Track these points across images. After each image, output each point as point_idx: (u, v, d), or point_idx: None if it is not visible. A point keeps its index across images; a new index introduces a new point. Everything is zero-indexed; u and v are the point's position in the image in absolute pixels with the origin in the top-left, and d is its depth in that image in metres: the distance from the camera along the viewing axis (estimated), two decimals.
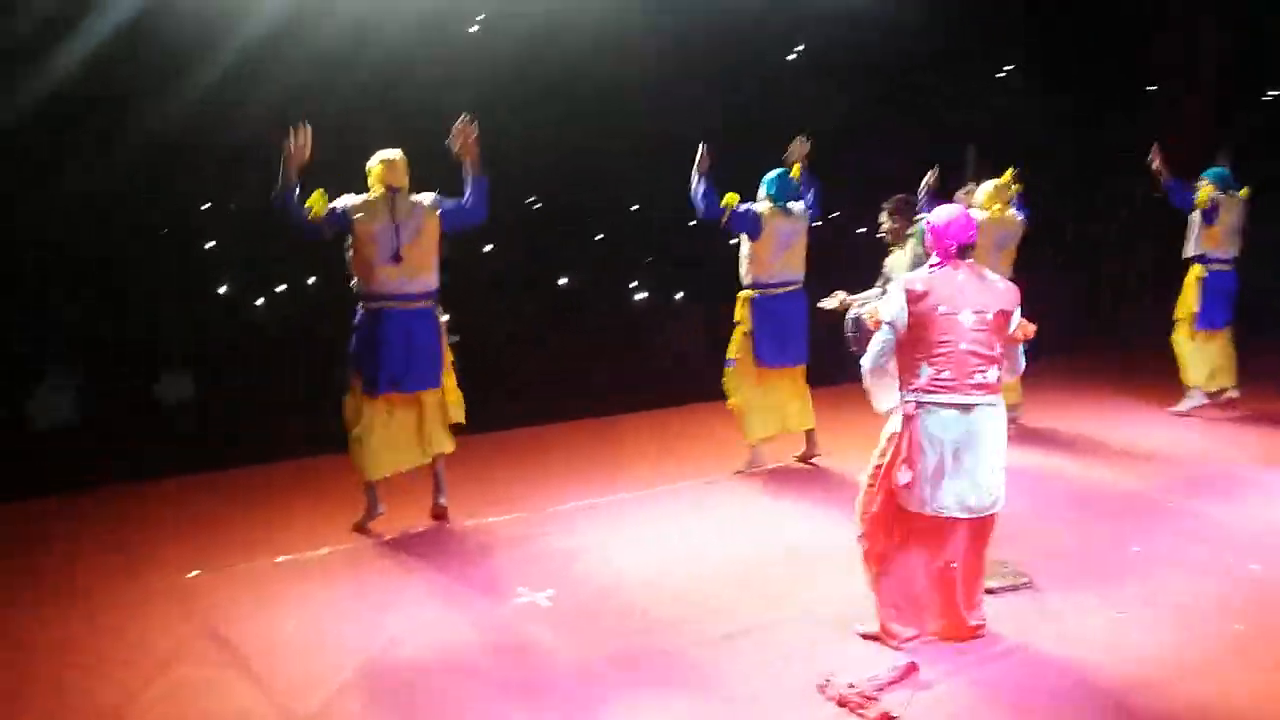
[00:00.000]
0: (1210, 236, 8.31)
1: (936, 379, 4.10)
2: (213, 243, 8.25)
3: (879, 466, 4.25)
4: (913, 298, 4.10)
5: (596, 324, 9.29)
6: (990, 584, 4.80)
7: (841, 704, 3.81)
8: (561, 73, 7.80)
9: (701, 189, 6.49)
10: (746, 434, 6.86)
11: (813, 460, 7.07)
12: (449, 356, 5.90)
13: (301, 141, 5.31)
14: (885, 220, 6.74)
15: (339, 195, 5.57)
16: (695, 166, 6.48)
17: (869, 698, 3.82)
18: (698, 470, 6.95)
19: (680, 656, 4.24)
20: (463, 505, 6.05)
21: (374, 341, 5.62)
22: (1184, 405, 8.59)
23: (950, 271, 4.15)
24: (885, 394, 4.31)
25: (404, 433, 5.81)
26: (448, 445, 5.90)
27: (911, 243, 6.44)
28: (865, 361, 4.31)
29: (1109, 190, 11.78)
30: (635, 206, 9.53)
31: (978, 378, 4.11)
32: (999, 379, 4.20)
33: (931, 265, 4.21)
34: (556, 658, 4.27)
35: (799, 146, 6.78)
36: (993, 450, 4.16)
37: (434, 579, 5.15)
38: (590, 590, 4.96)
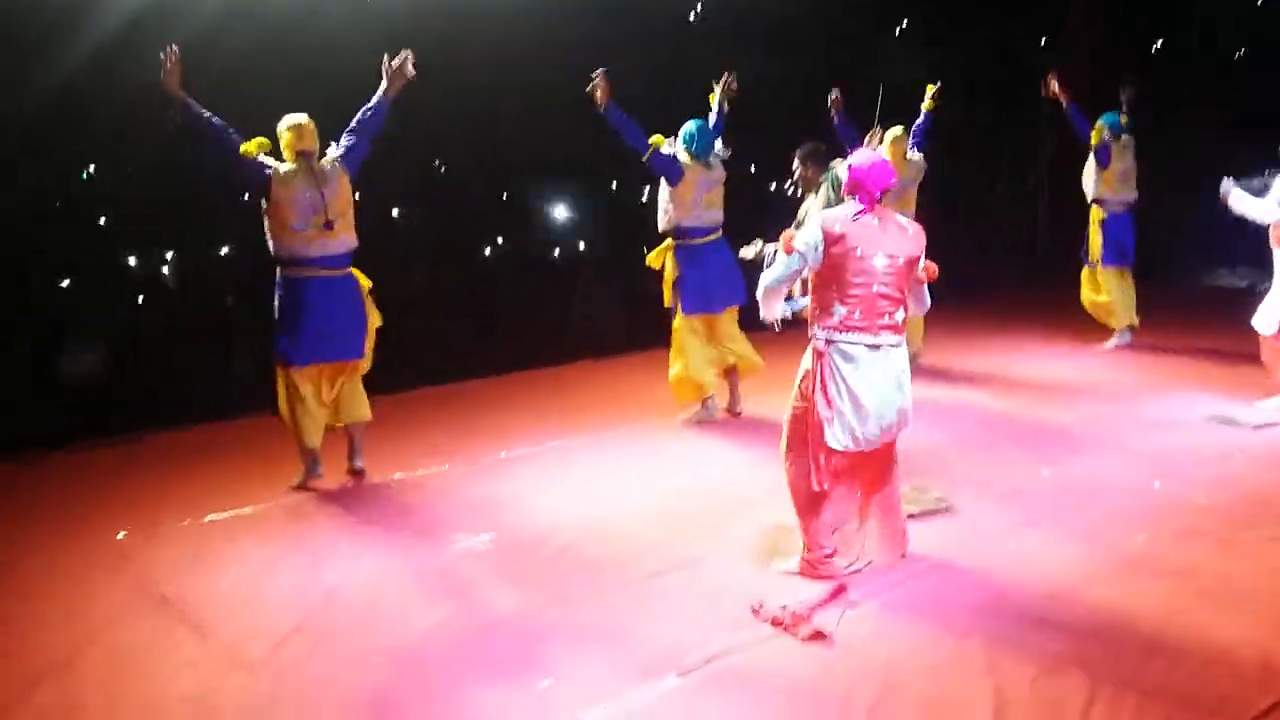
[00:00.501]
0: (1105, 180, 8.68)
1: (848, 319, 4.22)
2: (109, 212, 8.06)
3: (796, 405, 4.38)
4: (830, 239, 4.19)
5: (525, 279, 9.32)
6: (912, 509, 5.02)
7: (775, 624, 3.97)
8: (470, 32, 7.74)
9: (620, 118, 6.53)
10: (683, 390, 6.89)
11: (738, 412, 7.17)
12: (375, 321, 5.89)
13: (170, 65, 5.21)
14: (797, 167, 6.88)
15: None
16: (598, 99, 6.48)
17: (801, 617, 3.99)
18: (625, 418, 7.08)
19: (618, 592, 4.36)
20: (393, 460, 6.10)
21: (295, 311, 5.60)
22: (1112, 342, 8.99)
23: (868, 217, 4.26)
24: (773, 308, 4.51)
25: (330, 403, 5.82)
26: (366, 413, 5.91)
27: (824, 189, 6.58)
28: (765, 279, 4.42)
29: (1014, 138, 12.10)
30: (560, 163, 9.52)
31: (886, 318, 4.26)
32: (904, 320, 4.36)
33: (857, 213, 4.24)
34: (499, 597, 4.36)
35: (726, 82, 6.86)
36: (900, 384, 4.33)
37: (370, 531, 5.20)
38: (527, 533, 5.06)
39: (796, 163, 6.90)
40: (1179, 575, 4.31)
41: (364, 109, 5.70)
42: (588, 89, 6.44)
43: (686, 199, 6.73)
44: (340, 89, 5.92)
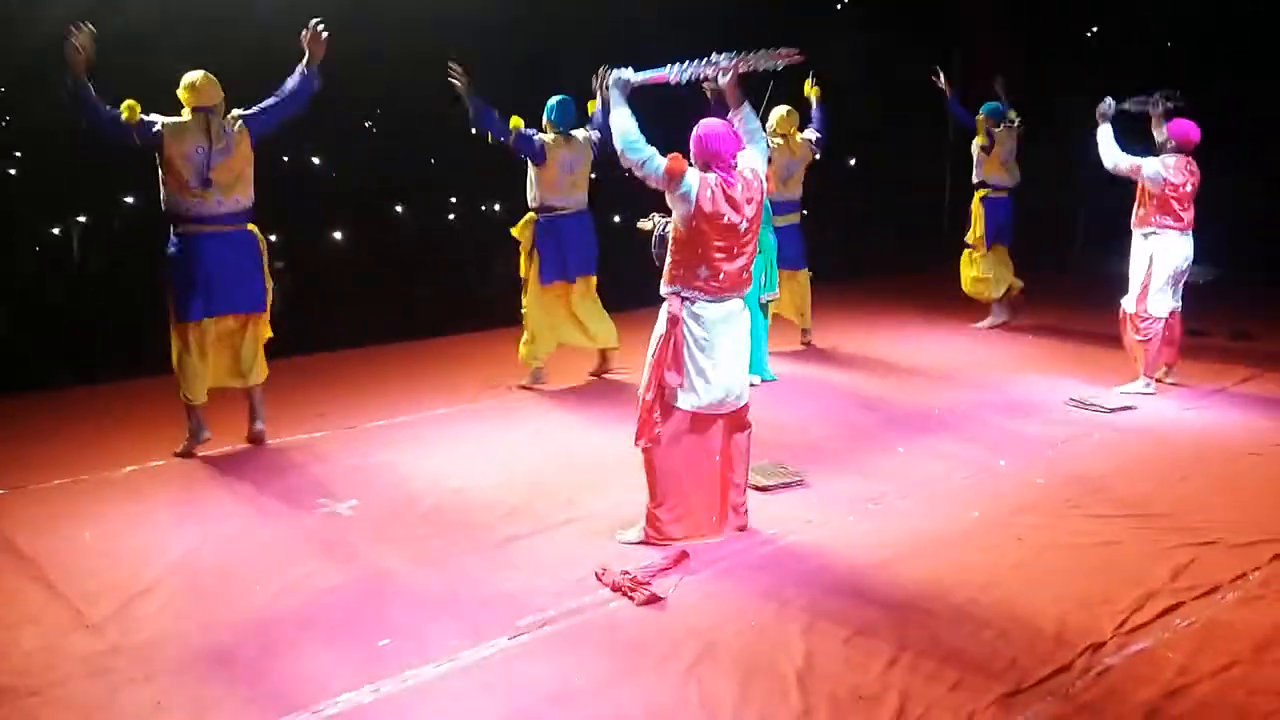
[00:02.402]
0: (989, 165, 9.02)
1: (713, 280, 4.36)
2: (11, 166, 7.97)
3: (652, 368, 4.50)
4: (703, 199, 4.25)
5: (411, 247, 9.38)
6: (767, 482, 5.25)
7: (615, 589, 4.15)
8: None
9: (481, 109, 6.63)
10: (527, 358, 7.15)
11: (605, 375, 7.43)
12: (270, 281, 5.93)
13: (83, 42, 5.22)
14: None
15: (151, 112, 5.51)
16: (459, 89, 6.58)
17: (641, 582, 4.17)
18: (502, 390, 7.22)
19: (471, 557, 4.51)
20: (272, 425, 6.15)
21: (188, 265, 5.61)
22: (987, 322, 9.39)
23: (732, 184, 4.32)
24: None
25: (223, 357, 5.86)
26: (262, 374, 5.97)
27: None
28: (629, 150, 4.36)
29: (911, 123, 12.34)
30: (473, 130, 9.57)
31: (744, 275, 4.45)
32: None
33: (727, 183, 4.30)
34: (353, 561, 4.48)
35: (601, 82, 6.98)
36: (744, 348, 4.54)
37: (236, 493, 5.28)
38: (391, 500, 5.18)
39: None
40: (1001, 549, 4.57)
41: (288, 80, 5.74)
42: (449, 77, 6.53)
43: (551, 178, 6.92)
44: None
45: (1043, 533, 4.74)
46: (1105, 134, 7.14)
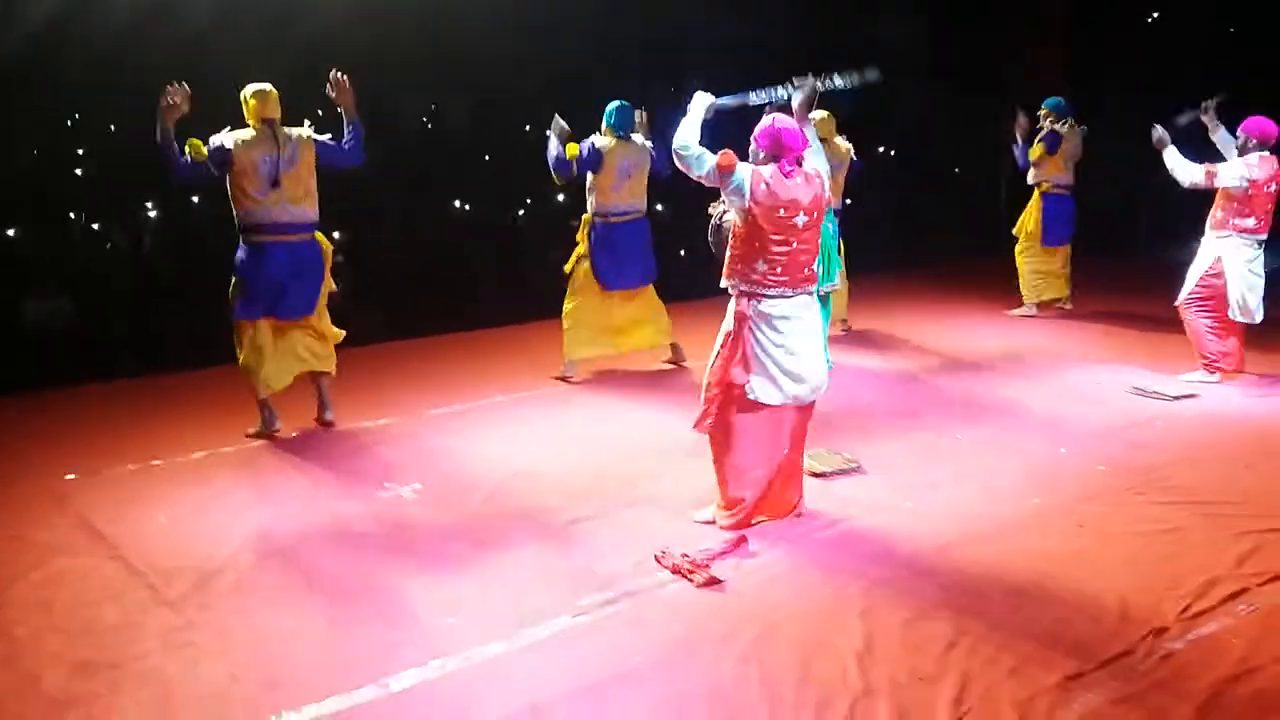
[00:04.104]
0: (1052, 164, 8.95)
1: (771, 274, 4.39)
2: (86, 164, 8.20)
3: (719, 364, 4.55)
4: (757, 192, 4.29)
5: (469, 240, 9.50)
6: (825, 469, 5.26)
7: (675, 571, 4.20)
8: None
9: (555, 154, 6.85)
10: (566, 349, 7.19)
11: (680, 364, 7.49)
12: (329, 286, 6.07)
13: (177, 100, 5.44)
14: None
15: (209, 136, 5.66)
16: (552, 133, 6.84)
17: (700, 565, 4.22)
18: (555, 378, 7.29)
19: (534, 539, 4.58)
20: (343, 412, 6.29)
21: (254, 272, 5.76)
22: (1018, 311, 9.42)
23: (793, 178, 4.35)
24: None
25: (290, 352, 6.00)
26: (329, 364, 6.10)
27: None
28: (683, 148, 4.43)
29: (961, 114, 12.24)
30: (528, 128, 9.67)
31: (806, 271, 4.47)
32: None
33: (785, 171, 4.35)
34: (418, 542, 4.58)
35: (641, 118, 7.11)
36: (817, 342, 4.55)
37: (305, 478, 5.40)
38: (455, 483, 5.28)
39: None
40: (1062, 534, 4.56)
41: (356, 136, 5.95)
42: (553, 123, 6.80)
43: (608, 184, 6.97)
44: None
45: (1104, 519, 4.71)
46: (1171, 156, 6.98)
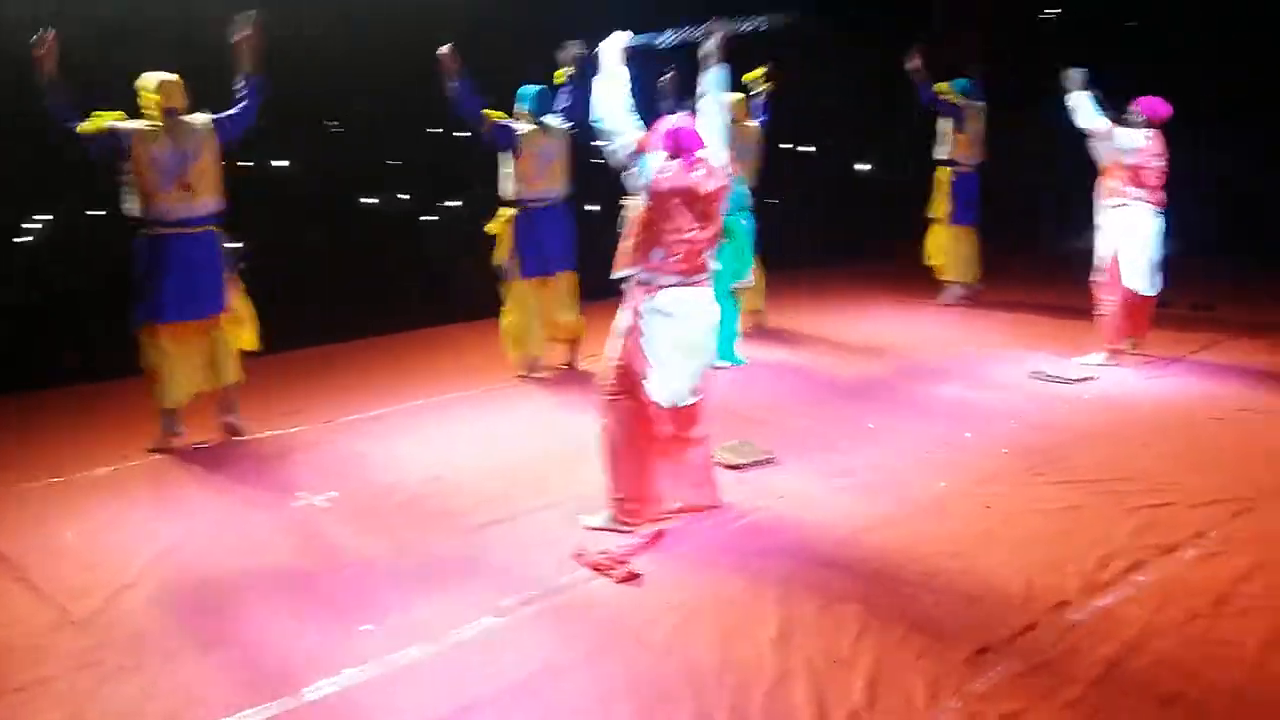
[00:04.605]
0: (959, 143, 9.16)
1: (668, 263, 4.40)
2: None
3: (616, 358, 4.54)
4: (659, 177, 4.34)
5: (380, 243, 9.37)
6: (738, 460, 5.34)
7: (594, 568, 4.23)
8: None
9: (464, 95, 6.68)
10: (509, 348, 7.14)
11: (573, 365, 7.45)
12: (236, 281, 5.97)
13: (44, 49, 5.26)
14: None
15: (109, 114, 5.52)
16: (445, 73, 6.64)
17: (619, 560, 4.26)
18: (480, 380, 7.25)
19: (450, 542, 4.57)
20: (252, 421, 6.18)
21: (157, 269, 5.64)
22: (945, 297, 9.58)
23: (694, 170, 4.41)
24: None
25: (196, 359, 5.88)
26: (236, 374, 5.99)
27: None
28: (604, 118, 4.45)
29: (872, 105, 12.46)
30: (433, 129, 9.58)
31: (702, 260, 4.49)
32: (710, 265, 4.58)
33: (686, 166, 4.38)
34: (333, 551, 4.53)
35: (571, 51, 6.95)
36: (711, 337, 4.61)
37: (214, 489, 5.31)
38: (370, 491, 5.23)
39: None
40: (968, 516, 4.70)
41: (240, 90, 5.77)
42: (440, 62, 6.56)
43: (529, 171, 6.88)
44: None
45: (1008, 500, 4.87)
46: (1079, 97, 7.21)
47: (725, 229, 6.68)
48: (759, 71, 8.00)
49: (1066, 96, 7.26)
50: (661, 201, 4.37)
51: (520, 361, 7.21)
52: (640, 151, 4.37)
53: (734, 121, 7.58)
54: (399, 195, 9.72)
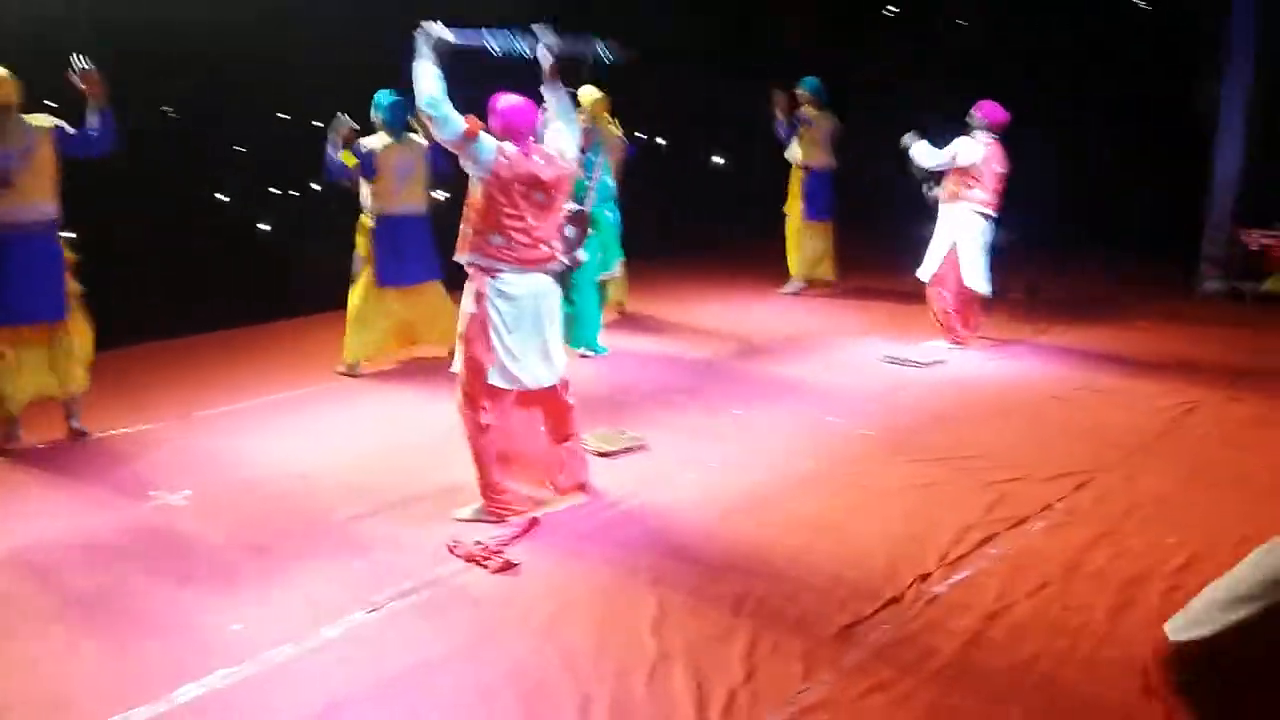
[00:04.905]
0: (807, 147, 9.36)
1: (507, 250, 4.39)
2: None
3: (464, 348, 4.50)
4: (497, 164, 4.30)
5: (231, 234, 9.05)
6: (609, 448, 5.37)
7: (469, 559, 4.20)
8: None
9: (334, 163, 6.64)
10: (346, 351, 6.96)
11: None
12: (75, 289, 5.67)
13: None
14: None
15: None
16: (334, 131, 6.59)
17: (494, 551, 4.23)
18: (333, 374, 7.03)
19: (318, 539, 4.45)
20: (100, 418, 5.89)
21: None
22: (788, 289, 9.83)
23: (531, 158, 4.40)
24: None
25: (37, 364, 5.58)
26: (82, 382, 5.71)
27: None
28: (432, 107, 4.31)
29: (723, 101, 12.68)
30: (281, 114, 9.27)
31: (543, 249, 4.49)
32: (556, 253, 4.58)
33: (524, 153, 4.37)
34: (192, 550, 4.36)
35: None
36: (555, 325, 4.62)
37: (61, 490, 5.05)
38: (229, 488, 5.05)
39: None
40: (834, 495, 4.85)
41: (91, 123, 5.47)
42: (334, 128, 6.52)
43: (387, 189, 6.70)
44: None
45: (871, 478, 5.05)
46: (919, 150, 7.50)
47: (592, 221, 6.75)
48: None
49: (909, 153, 7.54)
50: (501, 188, 4.33)
51: (353, 350, 6.97)
52: (471, 137, 4.31)
53: (596, 120, 7.55)
54: (234, 187, 9.36)
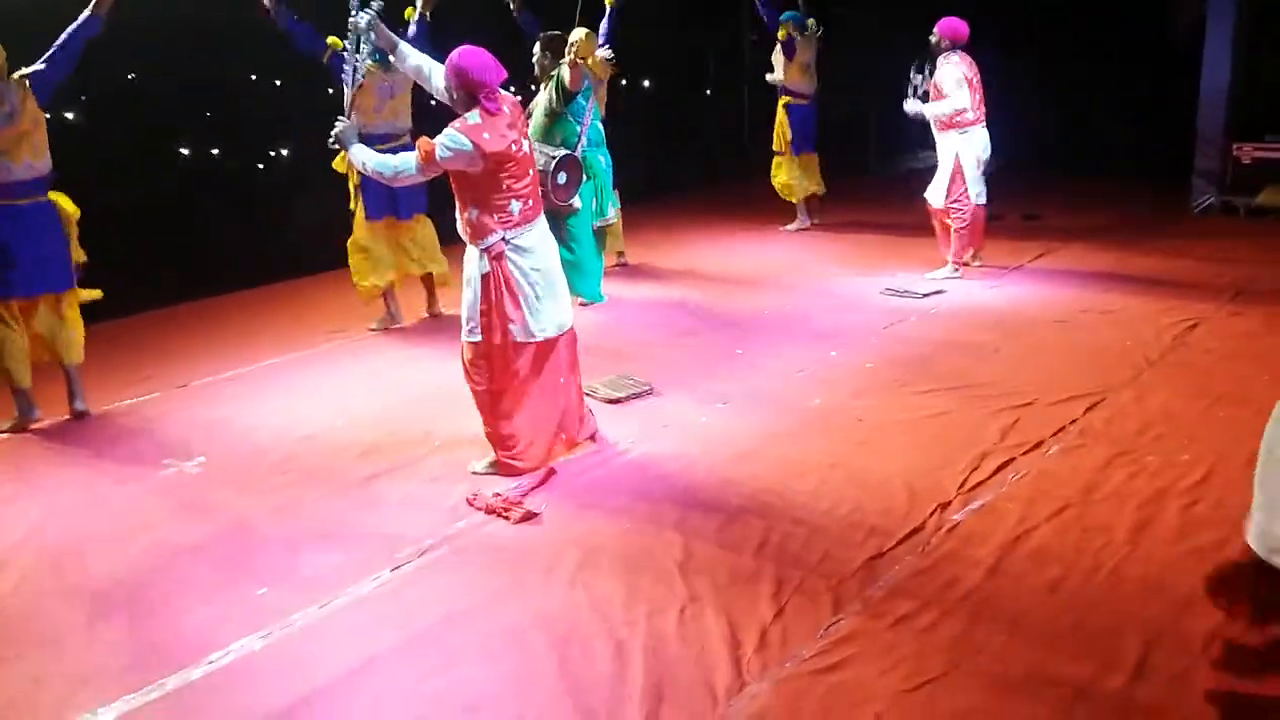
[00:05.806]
0: (790, 72, 9.28)
1: (525, 209, 4.35)
2: None
3: (479, 310, 4.42)
4: (485, 145, 4.15)
5: (218, 197, 8.93)
6: (618, 394, 5.37)
7: (489, 511, 4.21)
8: None
9: (289, 24, 6.45)
10: (367, 293, 6.89)
11: (436, 313, 7.32)
12: (78, 256, 5.60)
13: None
14: (537, 55, 6.92)
15: None
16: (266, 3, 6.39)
17: (514, 502, 4.24)
18: (334, 333, 7.04)
19: (335, 498, 4.47)
20: (101, 392, 5.86)
21: None
22: (793, 226, 9.74)
23: (502, 112, 4.28)
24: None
25: (37, 335, 5.52)
26: (79, 355, 5.64)
27: (549, 86, 6.64)
28: (387, 172, 4.36)
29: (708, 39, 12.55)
30: (254, 76, 9.13)
31: (538, 193, 4.49)
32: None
33: (493, 114, 4.24)
34: (212, 516, 4.36)
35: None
36: (559, 267, 4.61)
37: (76, 464, 5.03)
38: (240, 454, 5.04)
39: (537, 50, 6.90)
40: (844, 431, 4.86)
41: (71, 29, 5.30)
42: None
43: (369, 105, 6.58)
44: None
45: (879, 412, 5.06)
46: (927, 110, 7.46)
47: (586, 166, 6.68)
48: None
49: (910, 113, 7.58)
50: (498, 161, 4.21)
51: (369, 294, 6.91)
52: (431, 158, 4.20)
53: (585, 59, 7.40)
54: (220, 146, 9.23)
